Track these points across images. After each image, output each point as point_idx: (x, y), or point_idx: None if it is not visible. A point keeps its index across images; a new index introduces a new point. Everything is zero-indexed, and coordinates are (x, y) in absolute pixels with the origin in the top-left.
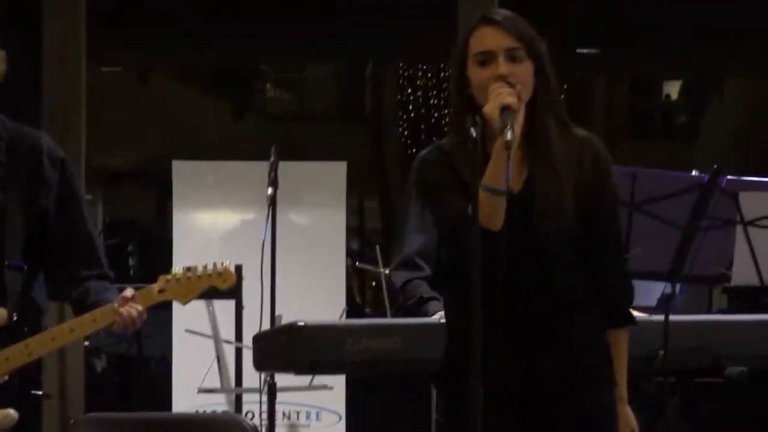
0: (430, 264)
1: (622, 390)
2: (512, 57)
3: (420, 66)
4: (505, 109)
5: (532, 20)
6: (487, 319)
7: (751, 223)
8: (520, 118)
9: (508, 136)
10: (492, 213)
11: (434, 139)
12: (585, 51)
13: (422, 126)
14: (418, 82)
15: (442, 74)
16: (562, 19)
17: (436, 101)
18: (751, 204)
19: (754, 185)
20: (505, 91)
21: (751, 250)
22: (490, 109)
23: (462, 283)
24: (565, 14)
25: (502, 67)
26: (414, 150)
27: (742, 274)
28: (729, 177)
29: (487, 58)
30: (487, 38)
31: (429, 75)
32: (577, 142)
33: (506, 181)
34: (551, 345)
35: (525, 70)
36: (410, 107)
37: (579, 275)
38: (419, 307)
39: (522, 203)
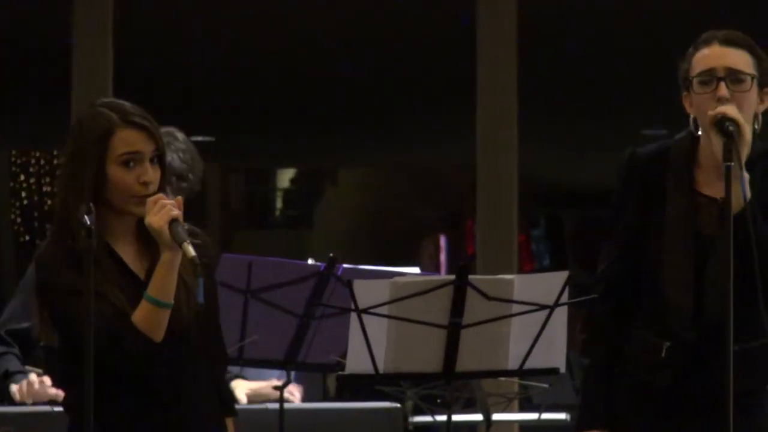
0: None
1: None
2: (152, 160)
3: (33, 153)
4: (174, 222)
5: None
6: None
7: (365, 311)
8: None
9: (192, 252)
10: (156, 325)
11: (47, 226)
12: (200, 139)
13: (35, 213)
14: (30, 169)
15: (55, 161)
16: (178, 106)
17: (49, 188)
18: (365, 292)
19: (369, 273)
20: (169, 203)
21: (366, 338)
22: (159, 223)
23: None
24: (181, 99)
25: (150, 172)
26: (27, 237)
27: (356, 361)
28: (345, 265)
29: (134, 158)
30: (137, 141)
31: (42, 162)
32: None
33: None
34: None
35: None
36: (23, 194)
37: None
38: (5, 382)
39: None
